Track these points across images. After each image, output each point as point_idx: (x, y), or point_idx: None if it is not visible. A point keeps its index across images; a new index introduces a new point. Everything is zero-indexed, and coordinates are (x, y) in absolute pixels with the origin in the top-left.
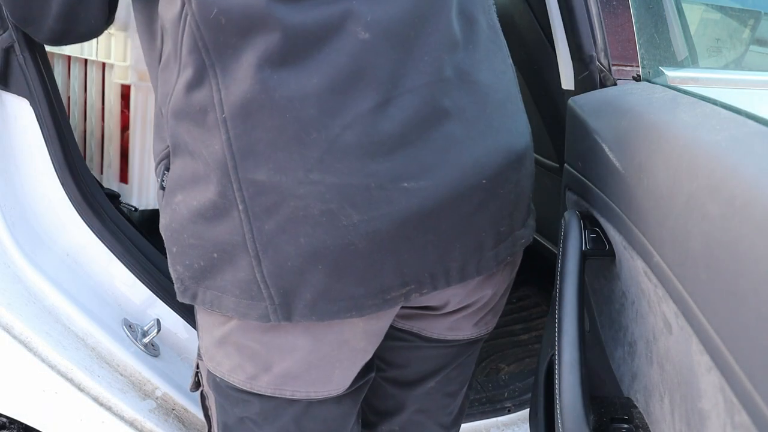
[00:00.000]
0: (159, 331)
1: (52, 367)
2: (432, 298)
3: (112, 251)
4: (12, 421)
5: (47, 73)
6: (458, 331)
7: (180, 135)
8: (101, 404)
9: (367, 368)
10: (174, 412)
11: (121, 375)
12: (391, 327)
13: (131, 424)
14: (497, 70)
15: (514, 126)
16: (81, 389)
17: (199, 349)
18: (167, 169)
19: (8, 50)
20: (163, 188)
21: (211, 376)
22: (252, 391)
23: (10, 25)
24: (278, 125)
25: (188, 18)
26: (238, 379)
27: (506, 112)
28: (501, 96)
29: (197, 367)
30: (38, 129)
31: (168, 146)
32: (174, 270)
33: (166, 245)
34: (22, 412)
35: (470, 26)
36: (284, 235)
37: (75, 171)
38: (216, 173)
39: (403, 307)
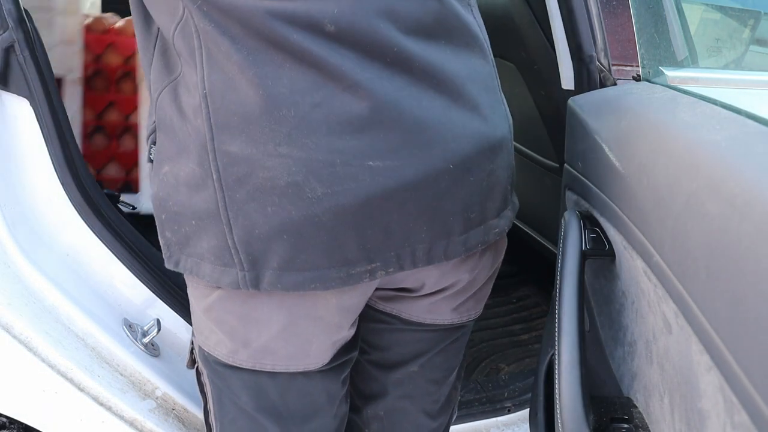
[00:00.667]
0: (159, 331)
1: (52, 367)
2: (406, 279)
3: (112, 251)
4: (12, 421)
5: (47, 73)
6: (437, 314)
7: (166, 110)
8: (101, 404)
9: (350, 345)
10: (174, 412)
11: (121, 375)
12: (373, 309)
13: (131, 423)
14: (474, 63)
15: (490, 117)
16: (81, 389)
17: (192, 326)
18: (154, 143)
19: (8, 50)
20: (151, 161)
21: (202, 352)
22: (235, 365)
23: (10, 25)
24: (252, 101)
25: (185, 5)
26: (221, 353)
27: (481, 103)
28: (476, 87)
29: (192, 344)
30: (38, 129)
31: (155, 121)
32: (163, 237)
33: (155, 214)
34: (22, 412)
35: (444, 20)
36: (253, 204)
37: (75, 171)
38: (196, 145)
39: (382, 289)
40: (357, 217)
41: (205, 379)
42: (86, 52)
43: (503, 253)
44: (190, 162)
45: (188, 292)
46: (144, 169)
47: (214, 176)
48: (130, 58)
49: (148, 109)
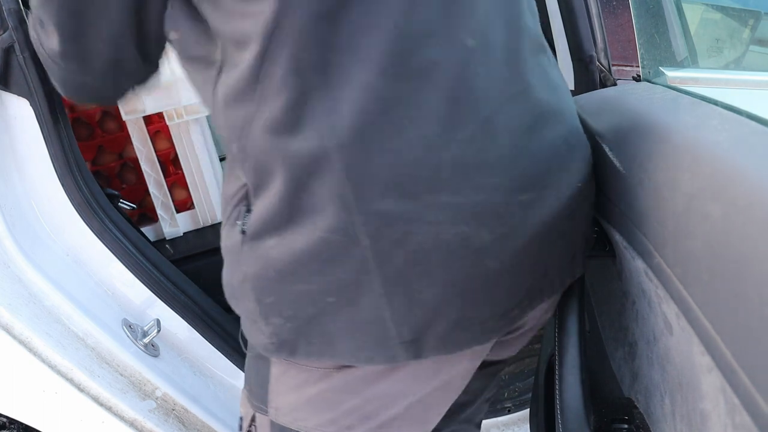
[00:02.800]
0: (159, 331)
1: (52, 367)
2: (529, 321)
3: (112, 251)
4: (12, 421)
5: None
6: (509, 349)
7: (272, 169)
8: (101, 404)
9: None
10: (174, 412)
11: (121, 375)
12: None
13: (131, 424)
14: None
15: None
16: (81, 389)
17: (253, 401)
18: (248, 211)
19: (8, 50)
20: (243, 233)
21: (282, 429)
22: None
23: (10, 25)
24: (399, 147)
25: (286, 30)
26: (328, 431)
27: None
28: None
29: (251, 421)
30: (38, 129)
31: (245, 184)
32: (267, 324)
33: (254, 297)
34: (22, 412)
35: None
36: (416, 267)
37: (75, 171)
38: (331, 208)
39: None
40: (518, 257)
41: None
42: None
43: None
44: (317, 230)
45: (272, 374)
46: (157, 198)
47: (365, 242)
48: None
49: (230, 171)
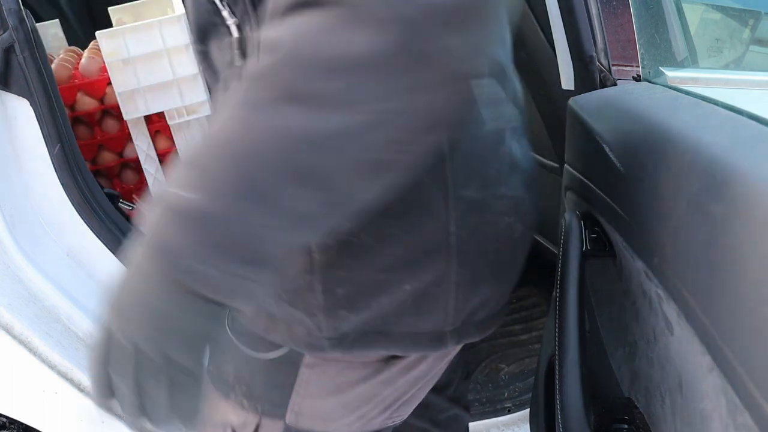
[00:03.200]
0: None
1: (52, 367)
2: None
3: (112, 251)
4: (12, 421)
5: (47, 73)
6: None
7: None
8: None
9: None
10: None
11: None
12: None
13: None
14: None
15: None
16: (81, 389)
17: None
18: None
19: (8, 50)
20: None
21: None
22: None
23: (10, 25)
24: (483, 135)
25: None
26: (352, 428)
27: None
28: None
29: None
30: (38, 129)
31: None
32: (330, 317)
33: (322, 289)
34: (22, 412)
35: None
36: (481, 258)
37: (75, 171)
38: (431, 191)
39: None
40: (527, 247)
41: None
42: None
43: None
44: (409, 215)
45: (302, 378)
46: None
47: (452, 229)
48: (104, 98)
49: None
